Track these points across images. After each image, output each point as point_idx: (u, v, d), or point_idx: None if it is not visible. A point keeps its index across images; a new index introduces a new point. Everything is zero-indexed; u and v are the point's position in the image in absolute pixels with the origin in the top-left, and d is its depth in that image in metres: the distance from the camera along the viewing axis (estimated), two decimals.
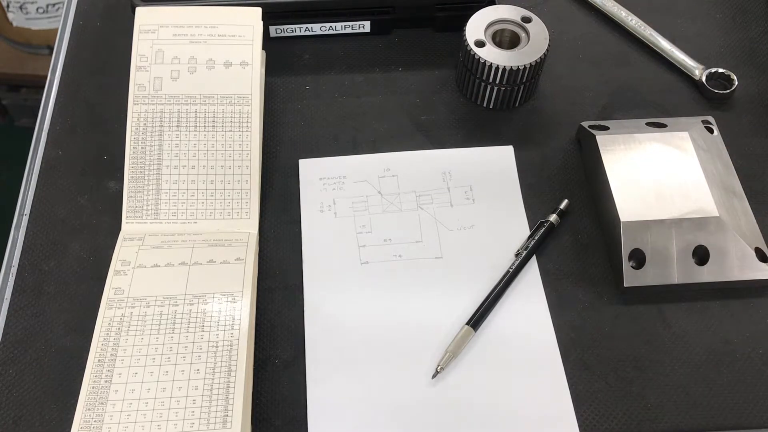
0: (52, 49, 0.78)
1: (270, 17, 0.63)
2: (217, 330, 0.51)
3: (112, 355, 0.50)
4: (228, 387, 0.48)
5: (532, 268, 0.57)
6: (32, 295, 0.56)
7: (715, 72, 0.67)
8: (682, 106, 0.66)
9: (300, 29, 0.69)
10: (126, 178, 0.58)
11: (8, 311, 0.55)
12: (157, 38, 0.59)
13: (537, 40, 0.62)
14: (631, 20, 0.71)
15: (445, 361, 0.52)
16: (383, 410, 0.50)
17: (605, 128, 0.61)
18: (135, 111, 0.59)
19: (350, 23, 0.69)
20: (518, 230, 0.59)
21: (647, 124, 0.62)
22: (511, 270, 0.56)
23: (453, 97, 0.67)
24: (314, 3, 0.66)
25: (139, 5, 0.61)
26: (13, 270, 0.56)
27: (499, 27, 0.64)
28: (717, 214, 0.55)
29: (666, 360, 0.53)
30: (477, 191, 0.61)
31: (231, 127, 0.59)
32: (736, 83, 0.66)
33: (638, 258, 0.55)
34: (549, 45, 0.62)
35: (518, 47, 0.63)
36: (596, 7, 0.73)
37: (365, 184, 0.62)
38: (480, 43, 0.62)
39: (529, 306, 0.55)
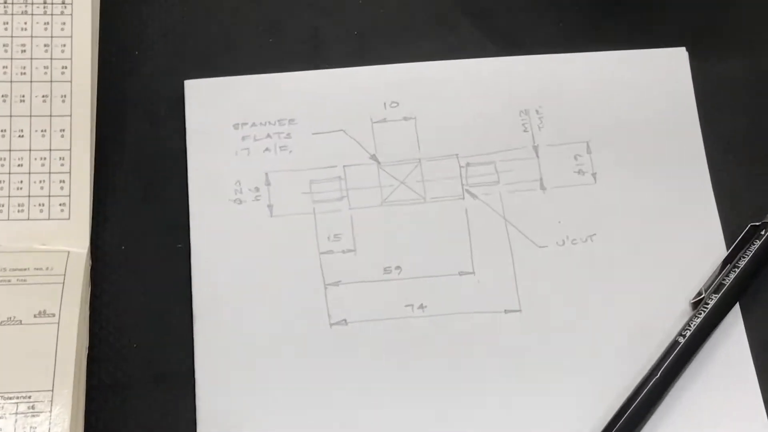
0: None
1: None
2: None
3: None
4: None
5: (734, 332, 0.40)
6: None
7: None
8: None
9: None
10: None
11: None
12: None
13: None
14: None
15: None
16: None
17: None
18: None
19: None
20: (700, 243, 0.40)
21: None
22: (684, 336, 0.40)
23: None
24: None
25: None
26: None
27: None
28: None
29: None
30: (601, 153, 0.42)
31: (30, 8, 0.43)
32: None
33: None
34: None
35: None
36: None
37: (341, 136, 0.41)
38: None
39: (728, 413, 0.38)
